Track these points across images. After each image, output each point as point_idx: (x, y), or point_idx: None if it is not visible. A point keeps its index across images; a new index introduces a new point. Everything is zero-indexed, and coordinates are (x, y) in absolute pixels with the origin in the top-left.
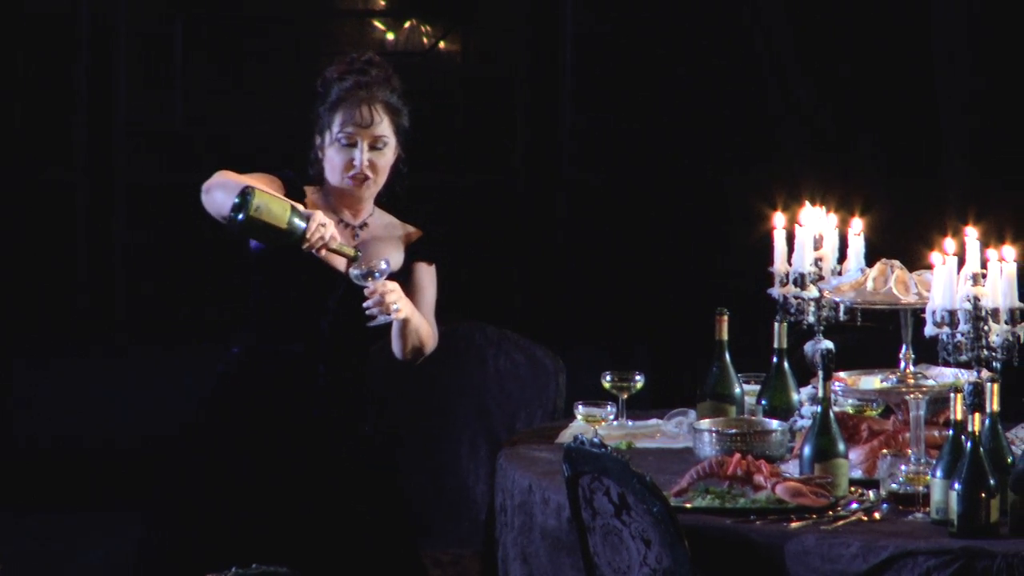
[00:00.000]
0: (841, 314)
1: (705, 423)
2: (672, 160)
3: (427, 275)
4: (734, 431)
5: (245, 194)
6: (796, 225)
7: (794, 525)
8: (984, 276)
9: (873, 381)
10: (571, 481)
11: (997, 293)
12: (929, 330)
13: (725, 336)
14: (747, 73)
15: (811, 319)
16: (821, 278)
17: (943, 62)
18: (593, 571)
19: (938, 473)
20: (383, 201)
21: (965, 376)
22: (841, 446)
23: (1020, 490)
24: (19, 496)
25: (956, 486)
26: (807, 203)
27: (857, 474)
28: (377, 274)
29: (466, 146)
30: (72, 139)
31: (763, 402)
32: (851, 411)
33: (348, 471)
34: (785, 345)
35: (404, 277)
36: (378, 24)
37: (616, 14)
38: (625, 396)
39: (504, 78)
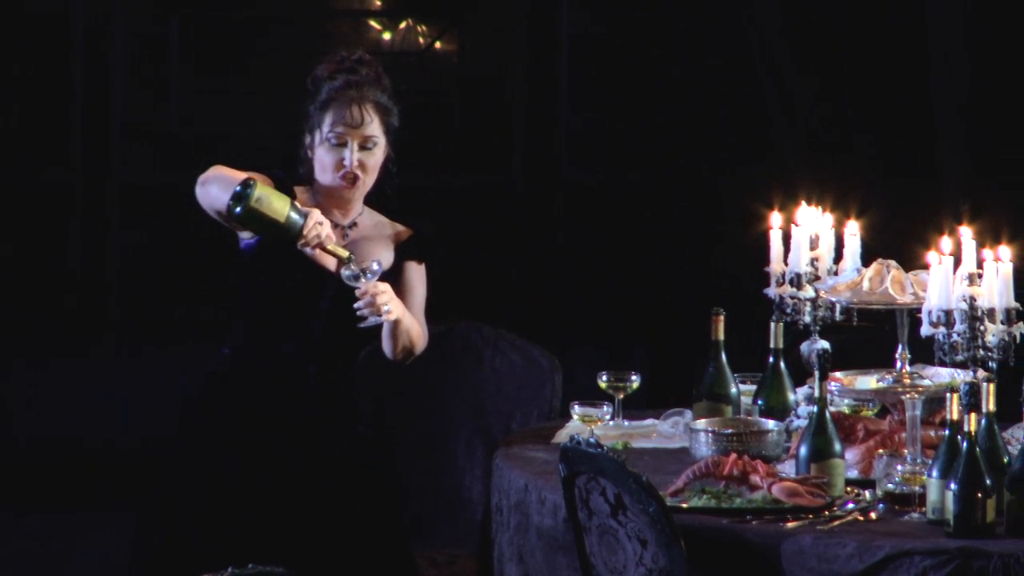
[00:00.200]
0: (837, 314)
1: (701, 423)
2: (669, 160)
3: (417, 274)
4: (730, 431)
5: (247, 185)
6: (792, 225)
7: (790, 525)
8: (980, 276)
9: (869, 381)
10: (567, 481)
11: (993, 293)
12: (925, 330)
13: (721, 336)
14: (743, 73)
15: (807, 319)
16: (817, 278)
17: (939, 62)
18: (589, 571)
19: (934, 473)
20: (372, 200)
21: (961, 376)
22: (837, 446)
23: (1016, 490)
24: (19, 496)
25: (952, 486)
26: (803, 203)
27: (853, 474)
28: (369, 275)
29: (463, 146)
30: (68, 139)
31: (759, 402)
32: (847, 411)
33: (340, 471)
34: (781, 345)
35: (394, 276)
36: (374, 24)
37: (612, 14)
38: (621, 396)
39: (501, 78)
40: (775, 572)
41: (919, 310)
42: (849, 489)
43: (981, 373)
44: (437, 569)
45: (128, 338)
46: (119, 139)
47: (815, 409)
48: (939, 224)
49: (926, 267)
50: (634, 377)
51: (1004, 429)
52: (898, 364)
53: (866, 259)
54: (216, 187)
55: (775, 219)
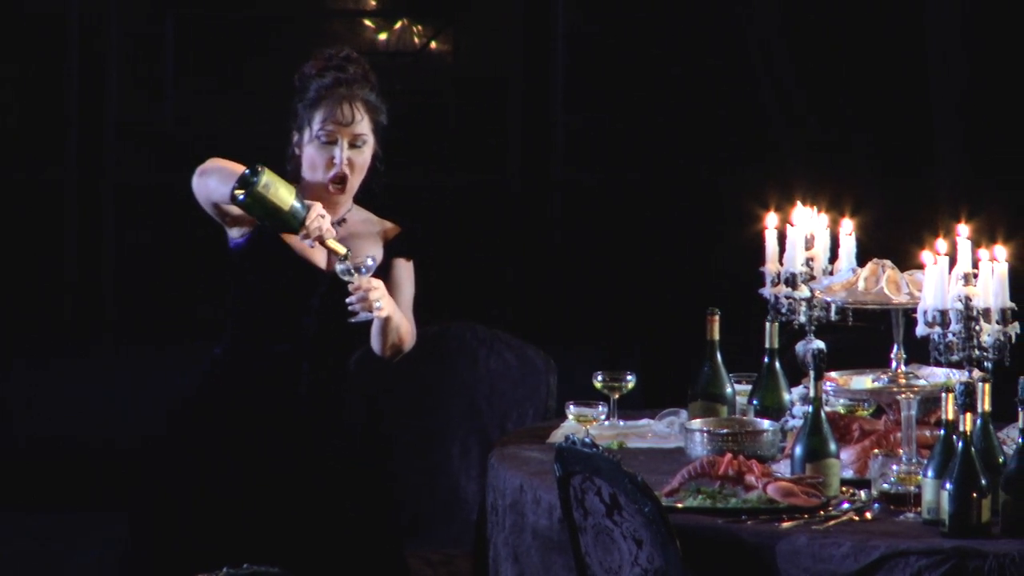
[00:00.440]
0: (832, 314)
1: (696, 423)
2: (665, 160)
3: (405, 271)
4: (725, 431)
5: (255, 171)
6: (788, 225)
7: (785, 525)
8: (975, 276)
9: (864, 381)
10: (562, 481)
11: (988, 293)
12: (920, 330)
13: (717, 336)
14: (740, 73)
15: (802, 319)
16: (812, 278)
17: (937, 62)
18: (584, 571)
19: (929, 473)
20: (360, 198)
21: (956, 376)
22: (832, 446)
23: (1011, 490)
24: (19, 496)
25: (947, 486)
26: (799, 203)
27: (848, 474)
28: (363, 270)
29: (458, 146)
30: (63, 139)
31: (754, 402)
32: (842, 411)
33: (333, 470)
34: (776, 345)
35: (383, 273)
36: (369, 24)
37: (608, 14)
38: (616, 396)
39: (496, 78)
40: (770, 572)
41: (915, 310)
42: (844, 489)
43: (976, 373)
44: (433, 569)
45: (127, 338)
46: (114, 139)
47: (810, 409)
48: (935, 224)
49: (922, 267)
50: (629, 377)
51: (999, 429)
52: (893, 364)
53: (862, 259)
54: (216, 177)
55: (771, 219)
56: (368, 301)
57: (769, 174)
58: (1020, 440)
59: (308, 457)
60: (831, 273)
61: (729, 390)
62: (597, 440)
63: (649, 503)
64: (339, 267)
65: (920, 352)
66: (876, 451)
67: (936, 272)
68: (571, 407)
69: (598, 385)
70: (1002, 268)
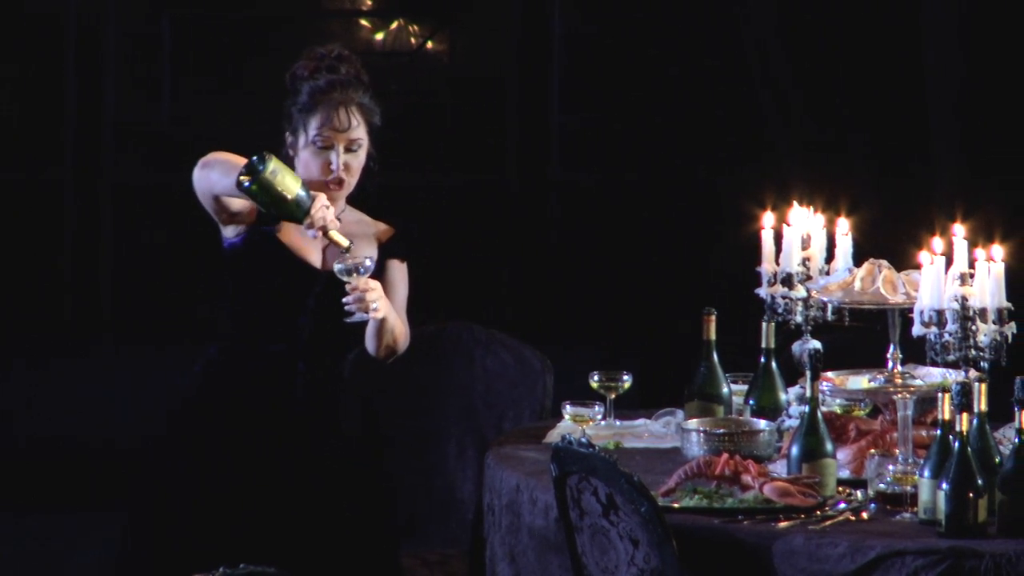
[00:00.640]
0: (829, 314)
1: (693, 423)
2: (662, 160)
3: (399, 273)
4: (722, 431)
5: (262, 158)
6: (784, 225)
7: (782, 525)
8: (972, 276)
9: (861, 381)
10: (559, 481)
11: (985, 293)
12: (917, 330)
13: (713, 336)
14: (738, 73)
15: (799, 319)
16: (809, 278)
17: (933, 62)
18: (581, 571)
19: (926, 473)
20: (353, 198)
21: (953, 376)
22: (829, 446)
23: (1008, 490)
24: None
25: (944, 486)
26: (795, 203)
27: (845, 474)
28: (361, 270)
29: (455, 146)
30: (60, 139)
31: (751, 402)
32: (839, 411)
33: (328, 470)
34: (773, 345)
35: (377, 275)
36: (366, 24)
37: (605, 14)
38: (613, 396)
39: (493, 78)
40: (767, 572)
41: (911, 310)
42: (841, 489)
43: (973, 373)
44: (429, 569)
45: (126, 338)
46: (112, 139)
47: (807, 409)
48: (931, 224)
49: (918, 267)
50: (626, 377)
51: (996, 429)
52: (890, 364)
53: (858, 259)
54: (219, 169)
55: (767, 219)
56: (365, 302)
57: (766, 174)
58: (1016, 440)
59: (304, 457)
60: (827, 273)
61: (725, 390)
62: (593, 440)
63: (645, 503)
64: (337, 267)
65: (916, 352)
66: (872, 451)
67: (932, 272)
68: (567, 407)
69: (594, 385)
70: (998, 268)
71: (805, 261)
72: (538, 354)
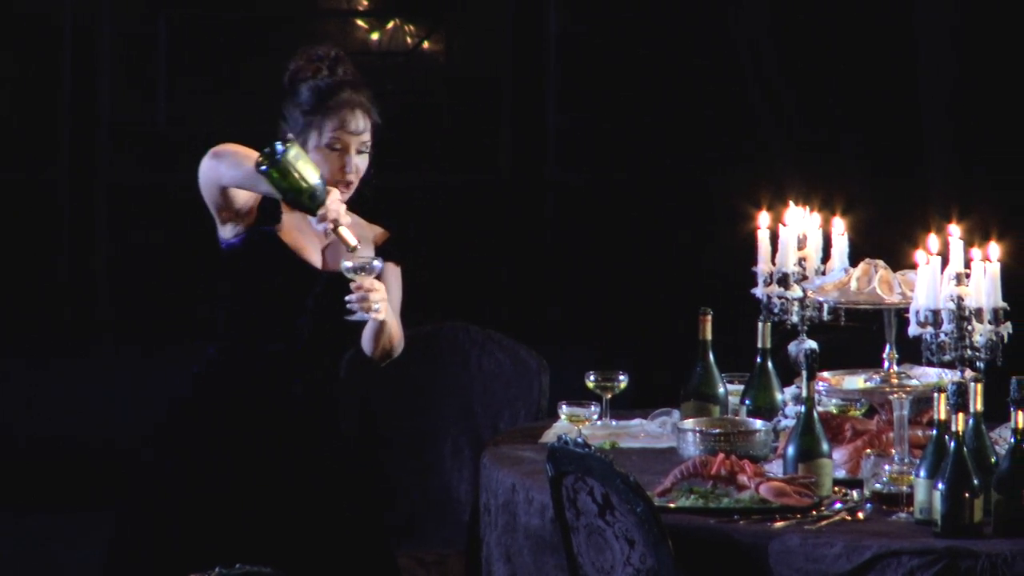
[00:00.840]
0: (825, 314)
1: (689, 423)
2: (656, 160)
3: (394, 276)
4: (718, 431)
5: (285, 142)
6: (780, 225)
7: (778, 525)
8: (968, 276)
9: (857, 381)
10: (555, 481)
11: (981, 293)
12: (913, 330)
13: (709, 336)
14: (731, 73)
15: (795, 319)
16: (805, 278)
17: (926, 62)
18: (577, 571)
19: (922, 473)
20: (352, 201)
21: (949, 376)
22: (825, 446)
23: (1004, 490)
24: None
25: (940, 486)
26: (791, 203)
27: (841, 474)
28: (368, 269)
29: (450, 146)
30: (55, 139)
31: (747, 402)
32: (835, 411)
33: (326, 470)
34: (769, 345)
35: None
36: (361, 24)
37: (599, 14)
38: (609, 396)
39: (488, 78)
40: (763, 572)
41: (907, 310)
42: (837, 489)
43: (969, 373)
44: (425, 569)
45: (122, 338)
46: (107, 139)
47: (803, 409)
48: (926, 223)
49: (914, 267)
50: (622, 377)
51: (991, 429)
52: (886, 364)
53: (854, 259)
54: (230, 159)
55: (763, 219)
56: (368, 302)
57: (759, 174)
58: (1012, 440)
59: (302, 457)
60: (823, 273)
61: (721, 390)
62: (589, 440)
63: (641, 503)
64: (345, 264)
65: (912, 352)
66: (868, 451)
67: (928, 272)
68: (563, 407)
69: (590, 385)
70: (994, 268)
71: (801, 261)
72: (534, 354)
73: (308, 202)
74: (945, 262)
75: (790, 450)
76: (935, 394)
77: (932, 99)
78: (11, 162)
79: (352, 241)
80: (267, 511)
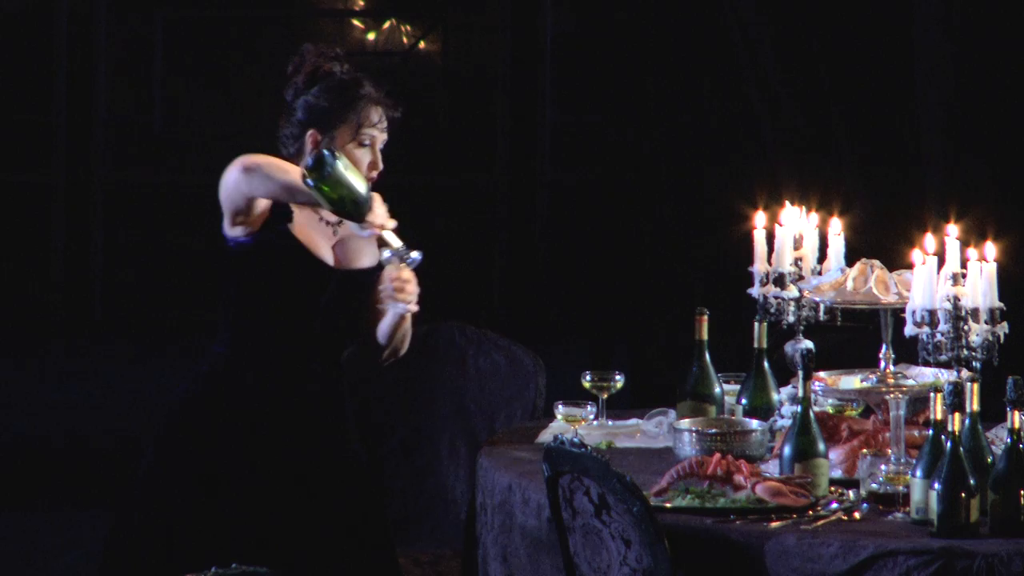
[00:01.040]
0: (821, 314)
1: (685, 423)
2: (652, 160)
3: None
4: (714, 431)
5: (333, 153)
6: (776, 225)
7: (774, 525)
8: (964, 276)
9: (853, 381)
10: (551, 481)
11: (977, 293)
12: (909, 330)
13: (705, 336)
14: (727, 73)
15: (791, 319)
16: (801, 278)
17: (923, 61)
18: (573, 571)
19: (918, 473)
20: None
21: (945, 376)
22: (821, 446)
23: (1000, 490)
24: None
25: (936, 486)
26: (787, 203)
27: (837, 474)
28: (409, 259)
29: (447, 146)
30: (51, 139)
31: (743, 402)
32: (831, 411)
33: (332, 471)
34: (765, 345)
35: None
36: (358, 23)
37: (595, 14)
38: (605, 396)
39: (484, 78)
40: (759, 572)
41: (903, 310)
42: (833, 489)
43: (965, 373)
44: (421, 569)
45: (118, 337)
46: (102, 138)
47: (799, 409)
48: (923, 223)
49: (910, 267)
50: (618, 377)
51: (988, 429)
52: (882, 364)
53: (850, 259)
54: (262, 174)
55: (759, 219)
56: (406, 292)
57: (756, 174)
58: (1008, 440)
59: (312, 458)
60: (820, 273)
61: (718, 390)
62: (586, 440)
63: (638, 503)
64: (386, 254)
65: (909, 352)
66: (865, 451)
67: (925, 272)
68: (560, 407)
69: (587, 385)
70: (990, 267)
71: (797, 261)
72: (530, 354)
73: (354, 209)
74: (941, 262)
75: (786, 450)
76: (931, 394)
77: (929, 99)
78: (6, 162)
79: (397, 243)
80: (274, 511)
